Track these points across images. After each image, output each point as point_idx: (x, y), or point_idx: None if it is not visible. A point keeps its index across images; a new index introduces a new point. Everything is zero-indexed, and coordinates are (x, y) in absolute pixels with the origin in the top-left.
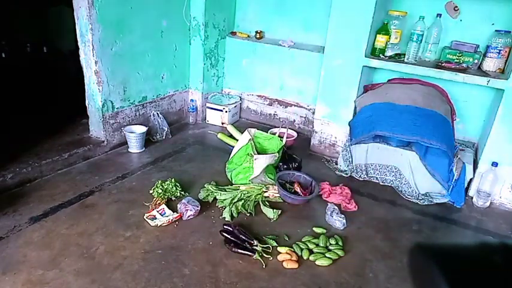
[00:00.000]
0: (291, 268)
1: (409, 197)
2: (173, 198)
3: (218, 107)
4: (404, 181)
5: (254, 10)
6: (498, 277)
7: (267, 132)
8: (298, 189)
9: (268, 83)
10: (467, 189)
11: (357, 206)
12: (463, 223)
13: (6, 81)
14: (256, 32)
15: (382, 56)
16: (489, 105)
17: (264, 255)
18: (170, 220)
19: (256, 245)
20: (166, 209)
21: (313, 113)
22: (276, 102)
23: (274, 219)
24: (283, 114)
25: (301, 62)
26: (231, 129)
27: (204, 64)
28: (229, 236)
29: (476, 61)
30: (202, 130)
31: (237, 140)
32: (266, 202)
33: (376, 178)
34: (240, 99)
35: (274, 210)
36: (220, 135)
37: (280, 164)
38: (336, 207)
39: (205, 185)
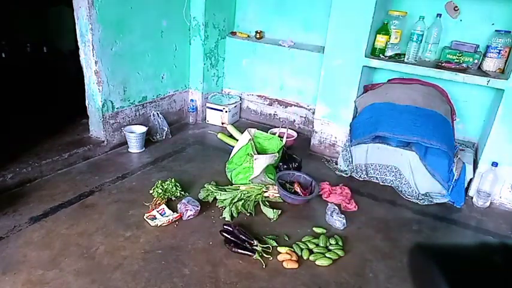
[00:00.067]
0: (291, 268)
1: (409, 197)
2: (173, 198)
3: (218, 107)
4: (404, 181)
5: (254, 10)
6: (498, 277)
7: (267, 132)
8: (298, 189)
9: (268, 83)
10: (467, 189)
11: (357, 206)
12: (463, 223)
13: (6, 81)
14: (256, 32)
15: (382, 56)
16: (489, 105)
17: (264, 255)
18: (170, 220)
19: (256, 245)
20: (166, 209)
21: (313, 113)
22: (276, 102)
23: (274, 219)
24: (283, 114)
25: (301, 62)
26: (231, 129)
27: (204, 64)
28: (229, 236)
29: (476, 61)
30: (202, 130)
31: (237, 140)
32: (266, 202)
33: (376, 178)
34: (240, 99)
35: (274, 210)
36: (220, 135)
37: (280, 164)
38: (336, 207)
39: (205, 185)
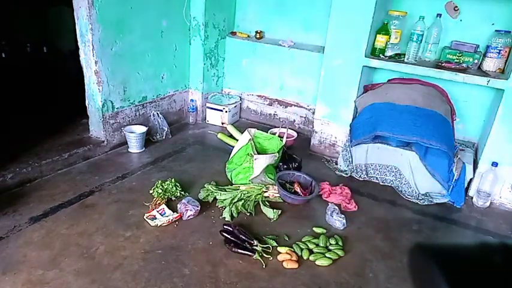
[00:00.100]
0: (291, 268)
1: (409, 197)
2: (173, 198)
3: (218, 107)
4: (404, 181)
5: (254, 10)
6: (498, 277)
7: (267, 132)
8: (298, 189)
9: (268, 83)
10: (467, 189)
11: (357, 206)
12: (463, 223)
13: (6, 81)
14: (256, 32)
15: (382, 56)
16: (489, 105)
17: (264, 255)
18: (170, 220)
19: (256, 245)
20: (166, 209)
21: (313, 113)
22: (276, 102)
23: (274, 219)
24: (283, 114)
25: (301, 62)
26: (231, 129)
27: (204, 64)
28: (229, 236)
29: (476, 61)
30: (202, 130)
31: (237, 140)
32: (266, 202)
33: (376, 178)
34: (240, 99)
35: (274, 210)
36: (220, 135)
37: (280, 164)
38: (336, 207)
39: (205, 185)
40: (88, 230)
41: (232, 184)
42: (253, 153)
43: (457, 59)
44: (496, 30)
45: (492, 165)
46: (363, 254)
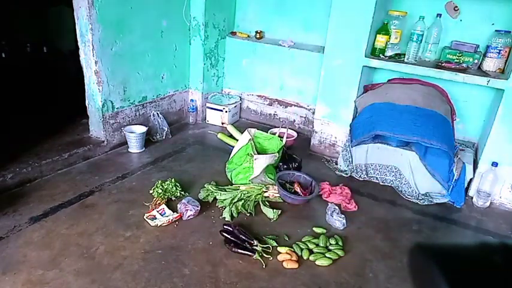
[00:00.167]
0: (291, 268)
1: (409, 197)
2: (173, 198)
3: (218, 107)
4: (404, 181)
5: (254, 10)
6: (498, 277)
7: (267, 132)
8: (298, 189)
9: (268, 83)
10: (467, 189)
11: (357, 206)
12: (463, 223)
13: (6, 81)
14: (256, 32)
15: (382, 56)
16: (489, 105)
17: (264, 255)
18: (170, 220)
19: (256, 245)
20: (166, 209)
21: (313, 113)
22: (276, 102)
23: (274, 219)
24: (283, 114)
25: (301, 62)
26: (231, 129)
27: (204, 64)
28: (229, 236)
29: (476, 61)
30: (202, 130)
31: (237, 140)
32: (266, 202)
33: (376, 178)
34: (240, 99)
35: (274, 210)
36: (220, 135)
37: (280, 164)
38: (336, 207)
39: (205, 185)
40: (88, 230)
41: (232, 184)
42: (253, 153)
43: (457, 59)
44: (496, 30)
45: (492, 165)
46: (363, 254)
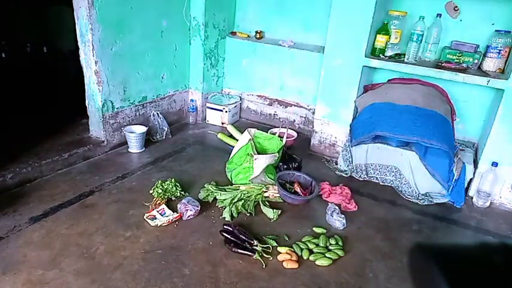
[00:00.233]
0: (291, 268)
1: (409, 197)
2: (173, 198)
3: (218, 107)
4: (404, 181)
5: (254, 10)
6: (498, 277)
7: (267, 132)
8: (298, 189)
9: (268, 83)
10: (467, 189)
11: (357, 206)
12: (463, 223)
13: (6, 81)
14: (256, 32)
15: (382, 56)
16: (489, 105)
17: (264, 255)
18: (170, 220)
19: (256, 245)
20: (166, 209)
21: (313, 113)
22: (276, 102)
23: (274, 219)
24: (283, 114)
25: (301, 62)
26: (231, 129)
27: (204, 64)
28: (229, 236)
29: (476, 61)
30: (202, 130)
31: (237, 140)
32: (266, 202)
33: (376, 178)
34: (240, 99)
35: (274, 210)
36: (220, 135)
37: (280, 164)
38: (336, 207)
39: (205, 185)
40: (88, 230)
41: (232, 184)
42: (253, 153)
43: (457, 59)
44: (496, 30)
45: (492, 165)
46: (363, 254)
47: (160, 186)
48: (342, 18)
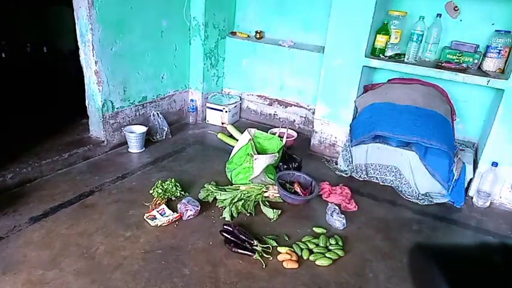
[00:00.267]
0: (291, 268)
1: (409, 197)
2: (173, 198)
3: (218, 107)
4: (404, 181)
5: (254, 10)
6: (498, 277)
7: (267, 132)
8: (298, 189)
9: (268, 83)
10: (467, 189)
11: (357, 206)
12: (463, 223)
13: (6, 81)
14: (256, 32)
15: (382, 56)
16: (489, 105)
17: (264, 255)
18: (170, 220)
19: (256, 245)
20: (166, 209)
21: (313, 113)
22: (276, 102)
23: (274, 219)
24: (283, 114)
25: (301, 62)
26: (231, 129)
27: (204, 64)
28: (229, 236)
29: (476, 61)
30: (202, 130)
31: (237, 140)
32: (266, 202)
33: (376, 178)
34: (240, 99)
35: (274, 210)
36: (220, 135)
37: (280, 164)
38: (336, 207)
39: (205, 185)
40: (88, 230)
41: (232, 184)
42: (253, 153)
43: (457, 59)
44: (496, 30)
45: (492, 165)
46: (363, 254)
47: (160, 186)
48: (342, 18)
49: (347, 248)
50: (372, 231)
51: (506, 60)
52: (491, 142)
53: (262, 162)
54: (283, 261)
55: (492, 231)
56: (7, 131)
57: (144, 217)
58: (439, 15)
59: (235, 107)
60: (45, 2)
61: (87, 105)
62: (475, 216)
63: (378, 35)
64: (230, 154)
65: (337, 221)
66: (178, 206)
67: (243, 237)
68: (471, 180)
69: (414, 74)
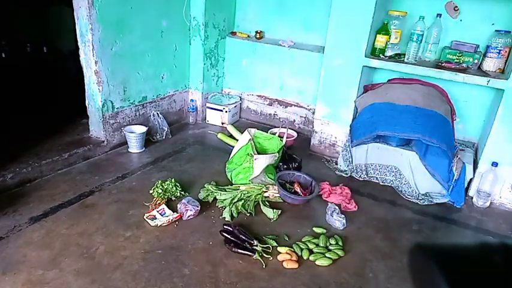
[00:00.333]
0: (291, 268)
1: (409, 197)
2: (173, 198)
3: (218, 107)
4: (404, 181)
5: (254, 10)
6: (498, 277)
7: (267, 132)
8: (298, 189)
9: (268, 83)
10: (467, 189)
11: (357, 206)
12: (463, 223)
13: (6, 81)
14: (256, 32)
15: (382, 56)
16: (489, 105)
17: (264, 255)
18: (170, 220)
19: (256, 245)
20: (166, 209)
21: (313, 113)
22: (276, 102)
23: (274, 219)
24: (283, 114)
25: (301, 62)
26: (231, 129)
27: (204, 64)
28: (229, 236)
29: (476, 61)
30: (202, 130)
31: (237, 140)
32: (266, 202)
33: (376, 178)
34: (240, 99)
35: (274, 210)
36: (220, 135)
37: (280, 164)
38: (336, 207)
39: (205, 185)
40: (88, 230)
41: (232, 184)
42: (253, 153)
43: (457, 59)
44: (496, 30)
45: (492, 165)
46: (363, 254)
47: (160, 186)
48: (342, 18)
49: (347, 248)
50: (372, 231)
51: (506, 60)
52: (491, 142)
53: (262, 162)
54: (283, 261)
55: (492, 231)
56: (7, 131)
57: (144, 217)
58: (439, 15)
59: (235, 107)
60: (45, 2)
61: (87, 105)
62: (475, 216)
63: (377, 35)
64: (230, 154)
65: (337, 221)
66: (178, 206)
67: (243, 237)
68: (471, 180)
69: (414, 74)
